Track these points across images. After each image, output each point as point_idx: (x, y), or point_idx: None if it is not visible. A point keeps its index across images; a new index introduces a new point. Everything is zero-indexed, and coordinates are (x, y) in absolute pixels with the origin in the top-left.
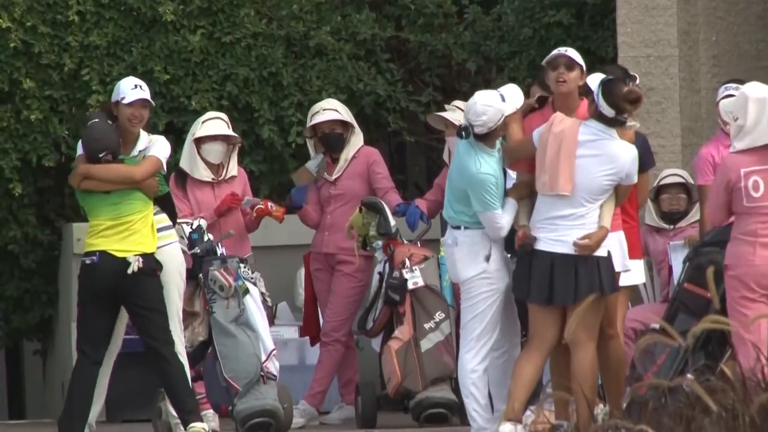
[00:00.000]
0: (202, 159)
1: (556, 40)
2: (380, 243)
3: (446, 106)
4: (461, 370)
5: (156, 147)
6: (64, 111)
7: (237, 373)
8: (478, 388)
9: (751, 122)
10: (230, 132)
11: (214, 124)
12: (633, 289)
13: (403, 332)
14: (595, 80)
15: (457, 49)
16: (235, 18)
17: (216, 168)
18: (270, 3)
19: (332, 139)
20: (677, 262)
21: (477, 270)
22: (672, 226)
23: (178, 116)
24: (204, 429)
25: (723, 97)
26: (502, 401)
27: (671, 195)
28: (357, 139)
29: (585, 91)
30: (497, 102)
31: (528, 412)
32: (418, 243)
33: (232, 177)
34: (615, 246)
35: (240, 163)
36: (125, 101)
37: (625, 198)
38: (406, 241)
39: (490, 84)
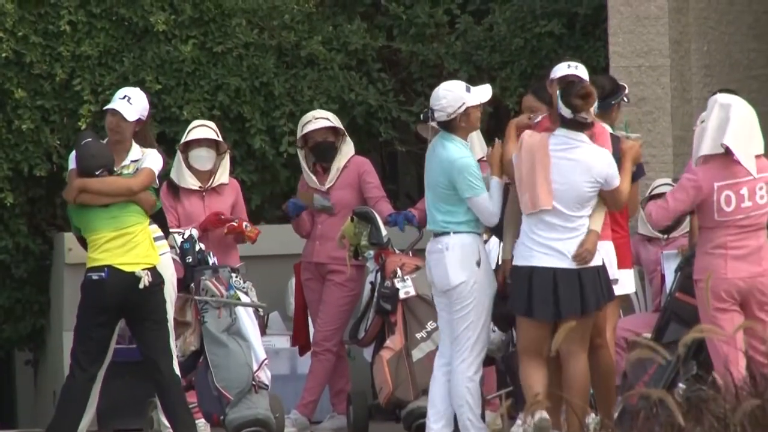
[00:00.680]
0: (190, 167)
1: (548, 50)
2: (372, 253)
3: None
4: (456, 380)
5: (149, 159)
6: (56, 121)
7: (229, 382)
8: (473, 397)
9: (712, 126)
10: (216, 137)
11: (199, 130)
12: (624, 299)
13: (394, 342)
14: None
15: (449, 59)
16: (227, 28)
17: (205, 176)
18: (261, 13)
19: (324, 148)
20: (670, 272)
21: (468, 275)
22: (665, 236)
23: (169, 126)
24: None
25: None
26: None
27: None
28: (348, 148)
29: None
30: (459, 89)
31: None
32: (410, 252)
33: (222, 185)
34: (601, 256)
35: (231, 173)
36: (106, 107)
37: (615, 206)
38: (397, 251)
39: None
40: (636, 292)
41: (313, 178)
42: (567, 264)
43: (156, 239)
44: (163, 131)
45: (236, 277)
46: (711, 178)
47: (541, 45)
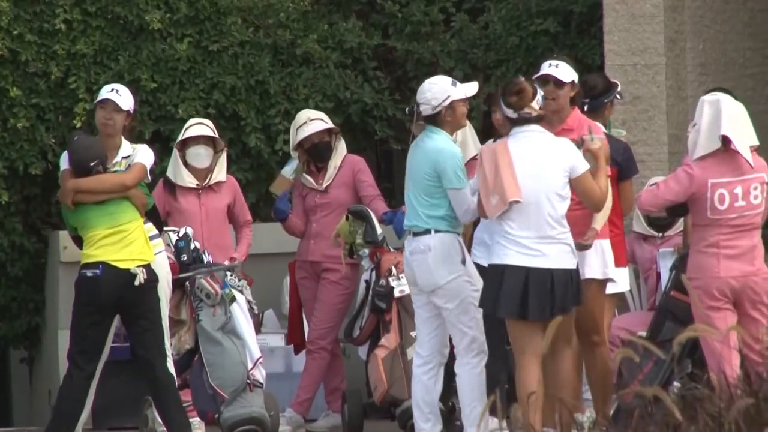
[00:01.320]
0: (187, 165)
1: (543, 48)
2: (367, 251)
3: None
4: (467, 377)
5: (141, 154)
6: (51, 119)
7: (223, 380)
8: (482, 392)
9: (705, 124)
10: (213, 134)
11: (197, 127)
12: (620, 297)
13: (389, 340)
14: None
15: (444, 57)
16: (222, 26)
17: (202, 174)
18: (257, 11)
19: (322, 148)
20: (665, 270)
21: (455, 272)
22: (660, 234)
23: (165, 124)
24: None
25: None
26: (427, 419)
27: None
28: (342, 145)
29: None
30: (444, 83)
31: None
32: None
33: (219, 183)
34: (597, 254)
35: (227, 171)
36: (96, 101)
37: (592, 203)
38: (392, 249)
39: (478, 92)
40: (631, 291)
41: (309, 178)
42: (541, 263)
43: (151, 238)
44: (158, 129)
45: (231, 275)
46: (706, 174)
47: (537, 43)
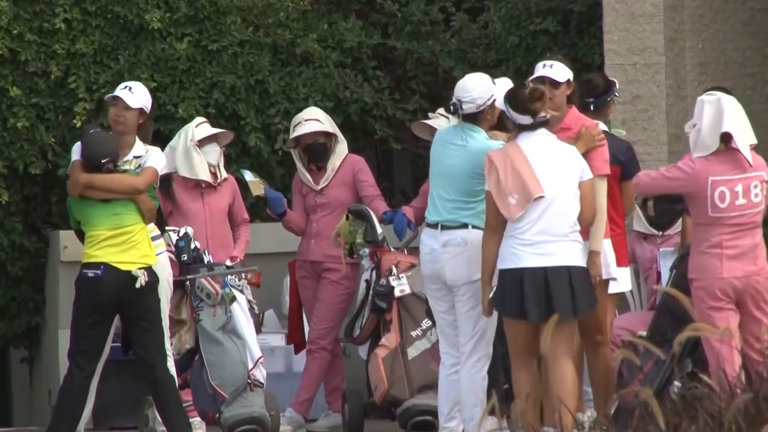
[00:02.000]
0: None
1: (543, 47)
2: (367, 250)
3: (430, 114)
4: (471, 379)
5: (153, 158)
6: (51, 119)
7: (224, 380)
8: (484, 395)
9: (707, 123)
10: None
11: (206, 126)
12: (620, 297)
13: (389, 340)
14: (502, 86)
15: (444, 57)
16: (222, 26)
17: (212, 171)
18: (256, 11)
19: (316, 149)
20: (666, 270)
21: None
22: (660, 233)
23: (164, 124)
24: None
25: None
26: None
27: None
28: (342, 147)
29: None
30: (487, 81)
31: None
32: (405, 250)
33: (221, 182)
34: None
35: (227, 171)
36: (107, 97)
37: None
38: (392, 249)
39: None
40: (631, 291)
41: (308, 176)
42: (558, 262)
43: (153, 238)
44: (158, 129)
45: (243, 278)
46: (707, 171)
47: (536, 43)
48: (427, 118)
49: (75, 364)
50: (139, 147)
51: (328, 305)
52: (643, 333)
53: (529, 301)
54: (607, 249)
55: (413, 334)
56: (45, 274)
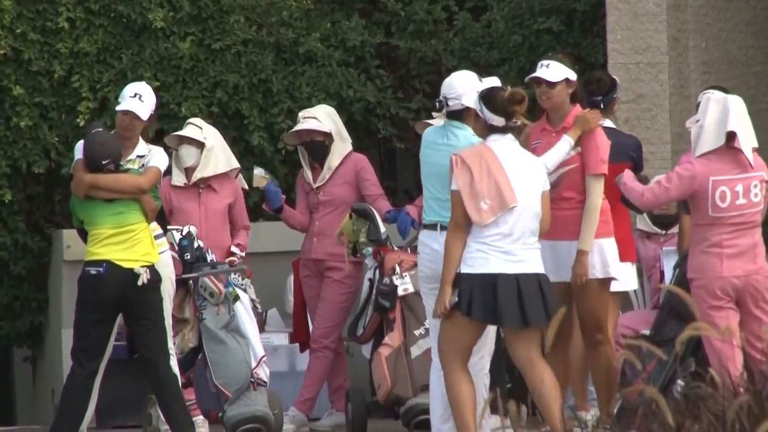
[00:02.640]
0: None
1: (546, 46)
2: (370, 249)
3: (433, 114)
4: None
5: (156, 158)
6: (54, 118)
7: (227, 379)
8: (487, 391)
9: (711, 121)
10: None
11: (188, 128)
12: (624, 296)
13: (393, 339)
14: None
15: (447, 56)
16: (225, 25)
17: (190, 173)
18: (260, 10)
19: (314, 147)
20: (669, 268)
21: None
22: (663, 231)
23: (168, 123)
24: None
25: None
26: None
27: None
28: (343, 147)
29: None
30: (474, 79)
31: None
32: (408, 249)
33: (222, 182)
34: (597, 253)
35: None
36: (118, 108)
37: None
38: (396, 248)
39: None
40: (635, 289)
41: (309, 173)
42: (527, 269)
43: (156, 237)
44: (161, 128)
45: (234, 274)
46: (708, 171)
47: (540, 42)
48: (431, 117)
49: (78, 362)
50: (142, 146)
51: (331, 304)
52: (647, 332)
53: (503, 307)
54: (609, 248)
55: (416, 333)
56: (48, 273)
